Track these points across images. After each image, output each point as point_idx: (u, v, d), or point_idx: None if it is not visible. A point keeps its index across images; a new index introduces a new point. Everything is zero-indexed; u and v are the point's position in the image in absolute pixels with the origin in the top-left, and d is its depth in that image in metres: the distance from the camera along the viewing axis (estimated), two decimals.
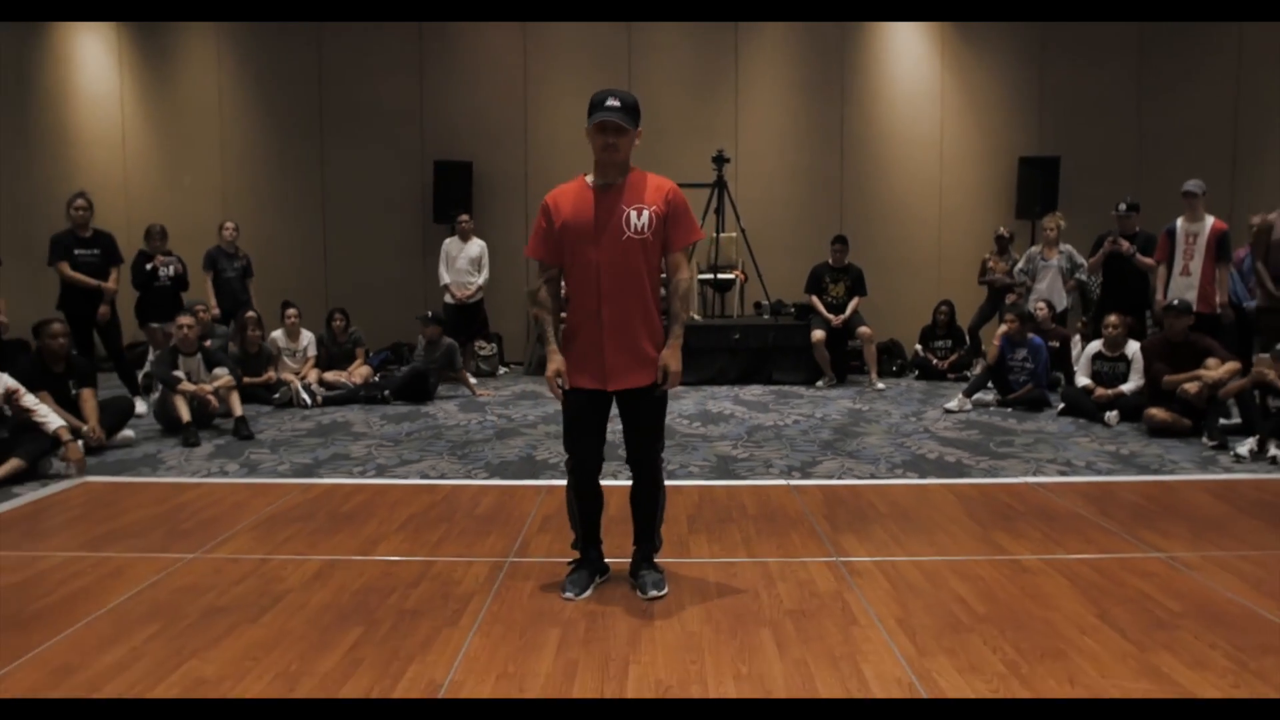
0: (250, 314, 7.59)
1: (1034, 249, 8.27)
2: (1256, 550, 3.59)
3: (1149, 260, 7.07)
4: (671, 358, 3.04)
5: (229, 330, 7.81)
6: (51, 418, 5.00)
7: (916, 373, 8.95)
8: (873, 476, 4.91)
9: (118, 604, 3.05)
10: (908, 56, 10.04)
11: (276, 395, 7.29)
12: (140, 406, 6.71)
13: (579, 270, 3.03)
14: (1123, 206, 7.43)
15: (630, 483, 3.22)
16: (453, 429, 6.31)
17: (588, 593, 3.12)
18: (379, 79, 9.95)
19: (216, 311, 7.84)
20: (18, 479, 4.76)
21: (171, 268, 7.57)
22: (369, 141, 9.98)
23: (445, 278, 8.91)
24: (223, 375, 6.33)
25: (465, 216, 9.05)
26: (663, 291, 3.15)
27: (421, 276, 9.92)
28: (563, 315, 3.18)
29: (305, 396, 7.26)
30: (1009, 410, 6.99)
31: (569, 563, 3.27)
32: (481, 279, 8.93)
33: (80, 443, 5.10)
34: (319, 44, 9.96)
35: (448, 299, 8.88)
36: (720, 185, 8.82)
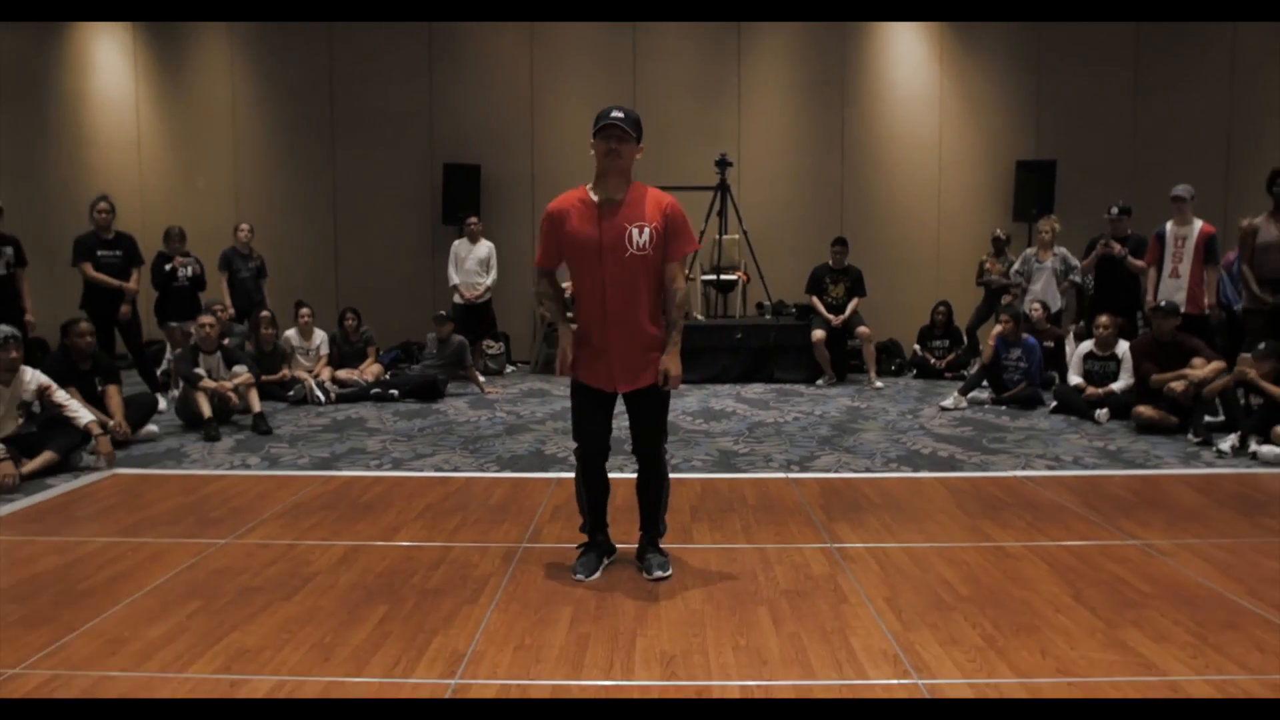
0: (265, 313, 7.81)
1: (1029, 250, 8.48)
2: (1229, 539, 3.79)
3: (1140, 262, 7.28)
4: (671, 362, 3.25)
5: (245, 329, 8.04)
6: (82, 413, 5.23)
7: (914, 372, 9.16)
8: (868, 470, 5.12)
9: (159, 584, 3.27)
10: (907, 61, 10.25)
11: (291, 392, 7.51)
12: (160, 403, 6.94)
13: (585, 286, 3.26)
14: (1115, 210, 7.66)
15: (636, 475, 3.45)
16: (463, 425, 6.53)
17: (597, 574, 3.35)
18: (389, 83, 10.18)
19: (232, 311, 8.07)
20: (50, 471, 4.99)
21: (190, 268, 7.81)
22: (379, 144, 10.21)
23: (454, 278, 9.14)
24: (242, 373, 6.55)
25: (474, 218, 9.28)
26: None
27: (430, 277, 10.15)
28: (570, 315, 3.41)
29: (319, 394, 7.49)
30: (1003, 408, 7.20)
31: (577, 547, 3.49)
32: (490, 280, 9.16)
33: (108, 437, 5.32)
34: (330, 49, 10.19)
35: (456, 299, 9.10)
36: (723, 188, 9.03)
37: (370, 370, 8.19)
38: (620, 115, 3.15)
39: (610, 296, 3.20)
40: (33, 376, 5.22)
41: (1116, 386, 6.69)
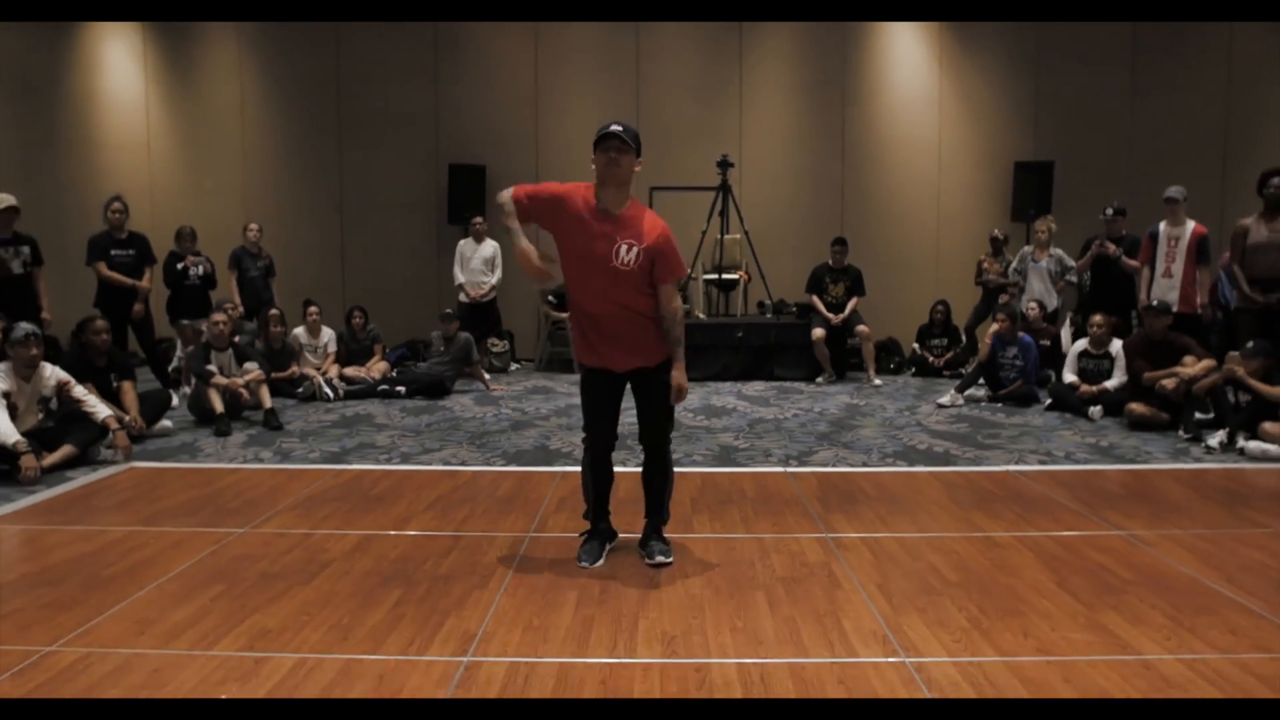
0: (274, 311, 7.96)
1: (1026, 249, 8.61)
2: (1211, 530, 3.93)
3: (1134, 262, 7.41)
4: (676, 376, 3.41)
5: (254, 327, 8.19)
6: (100, 408, 5.38)
7: (913, 370, 9.29)
8: (865, 465, 5.26)
9: (181, 570, 3.42)
10: (907, 61, 10.37)
11: (300, 389, 7.66)
12: (173, 399, 7.08)
13: (573, 279, 3.41)
14: (1110, 211, 7.80)
15: (640, 468, 3.62)
16: (470, 421, 6.67)
17: (601, 561, 3.50)
18: (394, 84, 10.32)
19: (241, 309, 8.22)
20: (70, 464, 5.13)
21: (201, 268, 7.96)
22: (384, 145, 10.35)
23: (460, 277, 9.29)
24: (253, 369, 6.70)
25: (479, 218, 9.43)
26: None
27: (436, 276, 10.29)
28: (565, 315, 3.56)
29: (327, 390, 7.63)
30: (999, 405, 7.34)
31: (581, 535, 3.64)
32: (494, 279, 9.30)
33: (125, 431, 5.47)
34: (336, 50, 10.33)
35: (462, 298, 9.24)
36: (725, 188, 9.17)
37: (377, 368, 8.34)
38: (619, 128, 3.29)
39: (598, 302, 3.36)
40: (52, 372, 5.37)
41: (1110, 384, 6.82)
